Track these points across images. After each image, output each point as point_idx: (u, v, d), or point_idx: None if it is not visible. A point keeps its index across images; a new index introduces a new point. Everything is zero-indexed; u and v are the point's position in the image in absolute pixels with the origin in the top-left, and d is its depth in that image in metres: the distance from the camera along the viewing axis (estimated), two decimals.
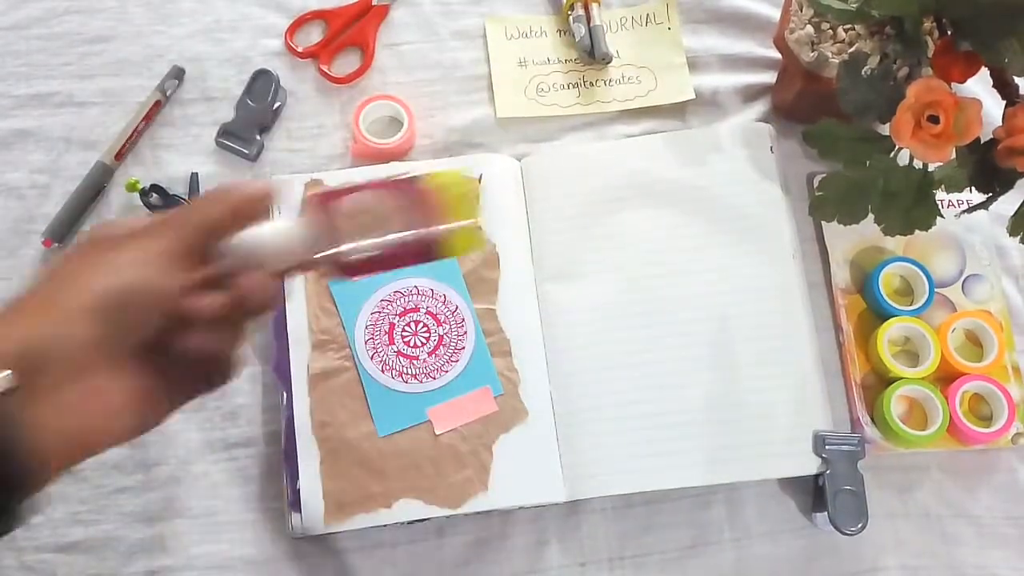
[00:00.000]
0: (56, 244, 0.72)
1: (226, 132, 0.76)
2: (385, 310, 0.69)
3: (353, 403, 0.67)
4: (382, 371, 0.68)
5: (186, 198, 0.74)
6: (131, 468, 0.67)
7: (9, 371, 0.40)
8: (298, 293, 0.70)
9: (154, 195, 0.73)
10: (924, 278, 0.70)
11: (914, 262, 0.71)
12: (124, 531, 0.66)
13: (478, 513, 0.65)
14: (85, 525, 0.66)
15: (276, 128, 0.77)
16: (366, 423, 0.66)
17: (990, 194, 0.61)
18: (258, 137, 0.76)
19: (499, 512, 0.66)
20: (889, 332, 0.69)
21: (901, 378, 0.68)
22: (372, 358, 0.68)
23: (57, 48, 0.79)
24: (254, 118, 0.76)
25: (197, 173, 0.75)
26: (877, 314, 0.70)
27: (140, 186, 0.73)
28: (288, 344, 0.68)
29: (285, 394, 0.67)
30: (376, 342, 0.69)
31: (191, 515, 0.67)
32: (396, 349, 0.69)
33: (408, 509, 0.64)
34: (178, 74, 0.78)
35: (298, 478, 0.65)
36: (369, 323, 0.69)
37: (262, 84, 0.78)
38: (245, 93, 0.77)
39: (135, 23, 0.81)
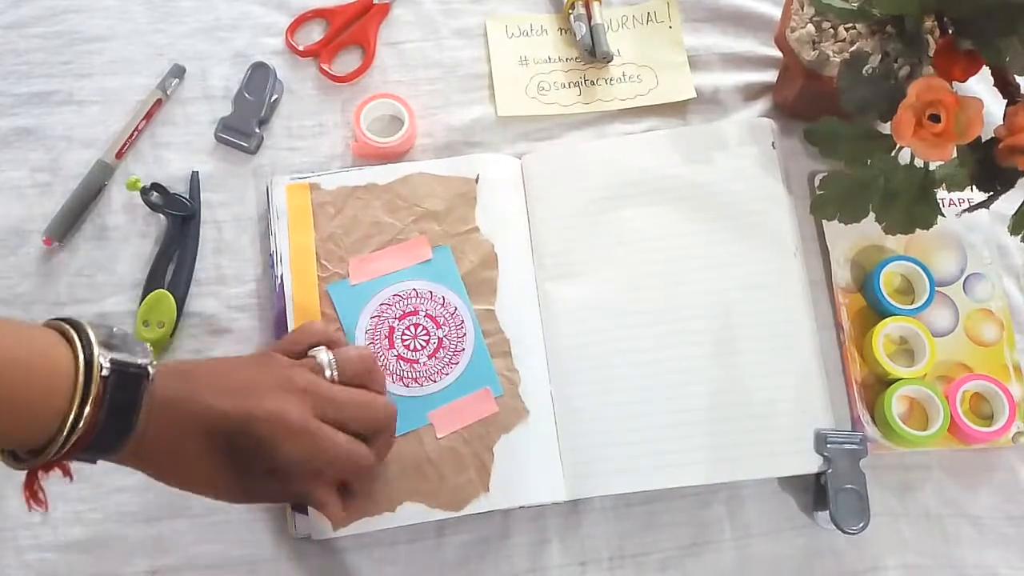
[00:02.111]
0: (56, 242, 0.73)
1: (225, 126, 0.76)
2: (384, 314, 0.69)
3: None
4: None
5: (187, 197, 0.74)
6: None
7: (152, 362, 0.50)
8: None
9: (155, 193, 0.73)
10: (925, 277, 0.70)
11: (915, 261, 0.71)
12: (125, 530, 0.66)
13: (479, 512, 0.65)
14: (86, 524, 0.66)
15: (277, 126, 0.77)
16: None
17: (991, 193, 0.61)
18: (257, 130, 0.76)
19: (500, 511, 0.66)
20: (885, 331, 0.69)
21: (897, 378, 0.68)
22: None
23: (57, 47, 0.79)
24: (252, 111, 0.77)
25: (198, 171, 0.75)
26: (878, 313, 0.70)
27: (141, 184, 0.73)
28: None
29: None
30: (377, 347, 0.69)
31: (191, 514, 0.67)
32: (396, 353, 0.68)
33: (411, 513, 0.64)
34: (179, 72, 0.78)
35: None
36: (369, 327, 0.69)
37: (259, 77, 0.78)
38: (242, 86, 0.78)
39: (135, 21, 0.81)
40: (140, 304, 0.70)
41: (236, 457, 0.54)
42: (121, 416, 0.49)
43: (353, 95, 0.78)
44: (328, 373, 0.59)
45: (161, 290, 0.71)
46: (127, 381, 0.49)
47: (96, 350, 0.48)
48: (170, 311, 0.70)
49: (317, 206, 0.72)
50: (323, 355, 0.60)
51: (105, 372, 0.48)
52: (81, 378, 0.47)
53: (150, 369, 0.50)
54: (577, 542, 0.67)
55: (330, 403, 0.57)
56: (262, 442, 0.54)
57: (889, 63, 0.66)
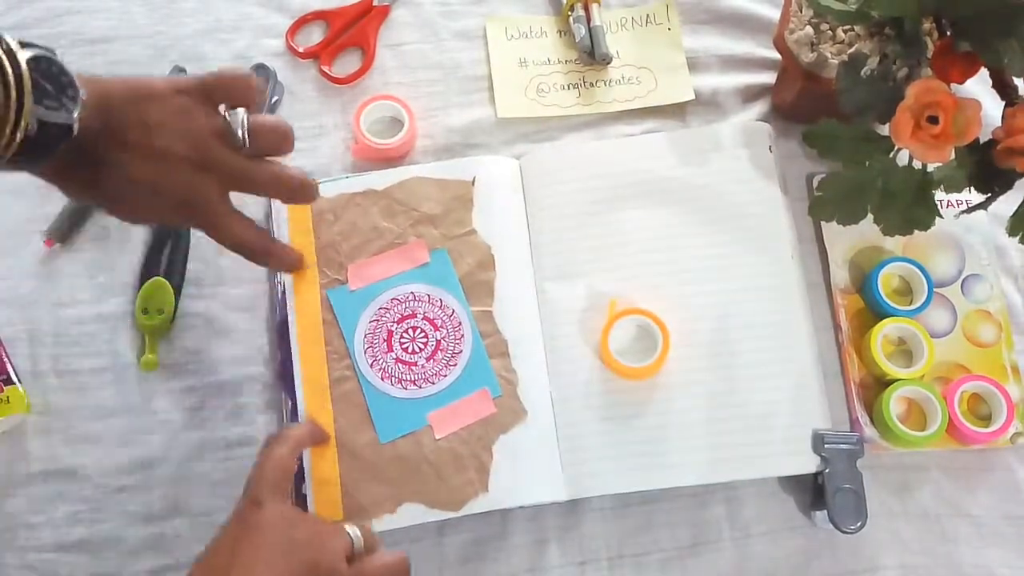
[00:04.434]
0: (58, 244, 0.73)
1: None
2: (383, 318, 0.70)
3: (355, 411, 0.67)
4: (382, 379, 0.68)
5: None
6: (132, 467, 0.68)
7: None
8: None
9: None
10: (923, 278, 0.70)
11: (913, 262, 0.71)
12: (125, 530, 0.66)
13: (478, 512, 0.65)
14: (87, 524, 0.66)
15: None
16: (368, 431, 0.67)
17: (989, 194, 0.62)
18: None
19: (499, 511, 0.66)
20: (883, 332, 0.69)
21: (895, 378, 0.68)
22: (372, 366, 0.68)
23: (59, 48, 0.79)
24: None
25: None
26: (876, 314, 0.71)
27: None
28: (291, 354, 0.69)
29: (290, 401, 0.68)
30: (375, 350, 0.69)
31: (192, 514, 0.67)
32: (395, 356, 0.69)
33: (412, 513, 0.65)
34: (179, 74, 0.79)
35: (304, 483, 0.65)
36: (368, 332, 0.69)
37: (259, 78, 0.78)
38: None
39: (137, 23, 0.81)
40: (138, 291, 0.71)
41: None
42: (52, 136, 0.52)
43: (353, 97, 0.78)
44: (240, 134, 0.57)
45: (158, 277, 0.71)
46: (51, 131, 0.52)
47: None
48: (168, 298, 0.71)
49: (316, 214, 0.72)
50: (239, 115, 0.57)
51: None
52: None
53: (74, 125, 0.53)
54: (576, 542, 0.67)
55: (241, 180, 0.58)
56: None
57: (887, 65, 0.66)
